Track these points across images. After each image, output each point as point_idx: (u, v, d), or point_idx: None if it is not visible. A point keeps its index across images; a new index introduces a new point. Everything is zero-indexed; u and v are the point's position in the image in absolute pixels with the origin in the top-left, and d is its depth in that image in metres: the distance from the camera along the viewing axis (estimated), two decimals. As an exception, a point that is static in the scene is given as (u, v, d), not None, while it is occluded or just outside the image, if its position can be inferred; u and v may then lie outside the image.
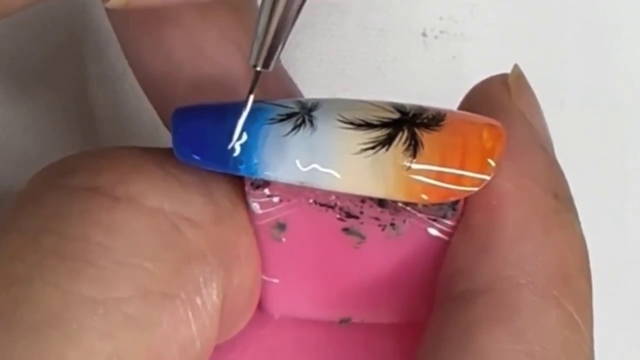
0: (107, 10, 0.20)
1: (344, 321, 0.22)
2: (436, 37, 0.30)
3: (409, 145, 0.18)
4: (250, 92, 0.19)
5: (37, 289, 0.17)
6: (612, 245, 0.30)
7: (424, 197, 0.19)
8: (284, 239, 0.20)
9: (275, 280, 0.21)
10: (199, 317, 0.18)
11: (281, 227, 0.20)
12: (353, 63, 0.30)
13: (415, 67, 0.30)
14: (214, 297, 0.19)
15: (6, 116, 0.27)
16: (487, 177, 0.19)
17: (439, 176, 0.19)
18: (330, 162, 0.18)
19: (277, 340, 0.21)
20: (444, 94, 0.31)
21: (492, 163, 0.19)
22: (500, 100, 0.21)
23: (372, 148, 0.18)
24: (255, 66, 0.18)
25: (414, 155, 0.18)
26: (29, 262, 0.18)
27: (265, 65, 0.18)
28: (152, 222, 0.18)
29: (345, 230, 0.20)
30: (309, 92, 0.29)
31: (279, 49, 0.18)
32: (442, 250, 0.20)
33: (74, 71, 0.28)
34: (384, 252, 0.20)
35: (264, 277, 0.20)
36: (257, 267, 0.20)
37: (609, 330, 0.27)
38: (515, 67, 0.21)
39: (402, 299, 0.21)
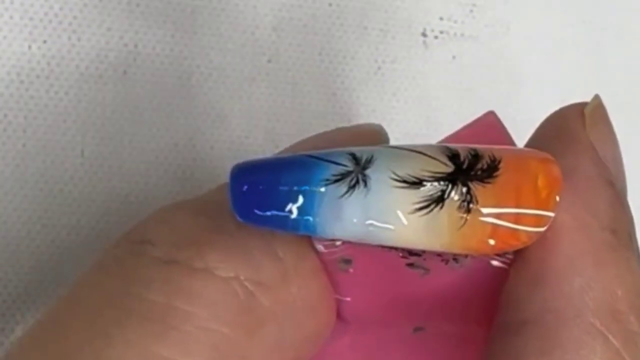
0: None
1: (418, 329, 0.22)
2: (436, 37, 0.30)
3: (463, 201, 0.18)
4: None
5: (119, 345, 0.18)
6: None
7: (479, 251, 0.19)
8: (351, 270, 0.20)
9: (348, 299, 0.21)
10: None
11: (347, 262, 0.20)
12: (353, 63, 0.30)
13: (415, 67, 0.30)
14: (289, 353, 0.20)
15: (7, 117, 0.27)
16: (542, 229, 0.19)
17: (493, 231, 0.19)
18: (386, 222, 0.19)
19: (352, 349, 0.22)
20: (444, 94, 0.31)
21: (547, 214, 0.19)
22: (573, 131, 0.21)
23: (427, 207, 0.18)
24: None
25: (468, 211, 0.19)
26: (111, 319, 0.18)
27: None
28: (228, 289, 0.19)
29: (410, 265, 0.20)
30: (309, 92, 0.29)
31: None
32: (505, 277, 0.20)
33: (74, 71, 0.28)
34: (449, 280, 0.20)
35: (336, 296, 0.21)
36: (332, 307, 0.21)
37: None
38: (596, 97, 0.21)
39: (472, 313, 0.21)
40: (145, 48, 0.28)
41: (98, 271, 0.20)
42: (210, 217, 0.20)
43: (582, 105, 0.21)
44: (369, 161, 0.19)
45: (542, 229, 0.19)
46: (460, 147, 0.19)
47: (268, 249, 0.20)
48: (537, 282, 0.19)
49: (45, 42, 0.28)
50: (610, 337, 0.19)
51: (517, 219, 0.19)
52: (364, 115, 0.30)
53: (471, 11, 0.31)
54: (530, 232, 0.19)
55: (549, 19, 0.31)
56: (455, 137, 0.22)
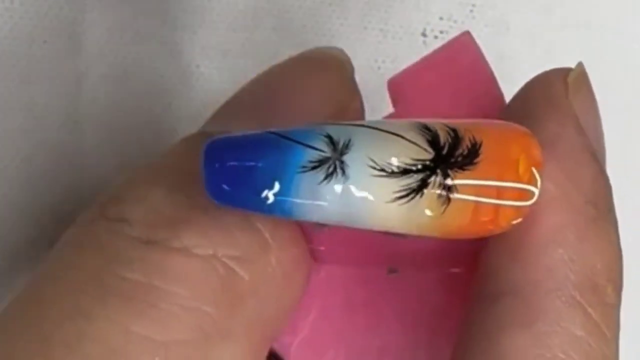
0: None
1: (392, 271, 0.22)
2: (436, 37, 0.30)
3: (443, 189, 0.18)
4: None
5: (100, 324, 0.18)
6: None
7: (459, 236, 0.19)
8: (326, 229, 0.21)
9: (322, 248, 0.21)
10: (258, 349, 0.20)
11: (323, 225, 0.21)
12: (353, 63, 0.30)
13: (415, 67, 0.30)
14: (271, 326, 0.20)
15: (6, 116, 0.27)
16: (526, 204, 0.19)
17: (474, 216, 0.19)
18: (364, 210, 0.18)
19: (327, 284, 0.22)
20: (444, 94, 0.31)
21: (530, 188, 0.19)
22: (557, 100, 0.20)
23: (406, 196, 0.18)
24: None
25: (449, 198, 0.18)
26: (93, 297, 0.18)
27: None
28: (208, 268, 0.19)
29: (386, 232, 0.20)
30: (309, 92, 0.29)
31: None
32: (485, 241, 0.20)
33: (74, 71, 0.28)
34: (427, 242, 0.21)
35: (310, 245, 0.21)
36: (308, 274, 0.21)
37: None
38: (579, 65, 0.21)
39: (451, 259, 0.22)
40: (146, 48, 0.28)
41: (76, 249, 0.20)
42: (186, 193, 0.20)
43: (565, 71, 0.21)
44: (347, 146, 0.18)
45: (526, 204, 0.19)
46: (440, 125, 0.19)
47: (245, 221, 0.20)
48: (518, 252, 0.19)
49: (45, 42, 0.28)
50: (590, 309, 0.19)
51: (498, 204, 0.19)
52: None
53: (471, 11, 0.31)
54: (512, 216, 0.19)
55: (549, 19, 0.31)
56: (430, 59, 0.22)
